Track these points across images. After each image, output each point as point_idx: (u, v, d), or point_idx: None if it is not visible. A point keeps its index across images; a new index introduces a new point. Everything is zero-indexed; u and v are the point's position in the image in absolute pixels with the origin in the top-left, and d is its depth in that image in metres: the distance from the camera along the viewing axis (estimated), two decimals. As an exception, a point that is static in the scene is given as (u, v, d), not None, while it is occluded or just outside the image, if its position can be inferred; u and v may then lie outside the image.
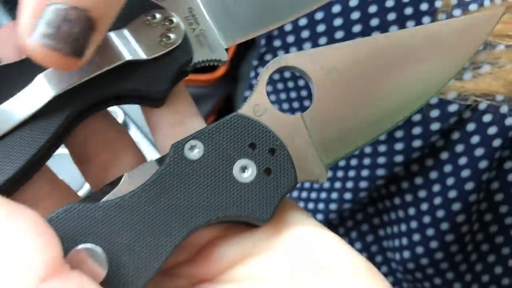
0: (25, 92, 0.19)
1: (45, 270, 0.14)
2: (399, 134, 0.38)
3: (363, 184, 0.40)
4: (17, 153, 0.18)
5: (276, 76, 0.41)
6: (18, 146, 0.18)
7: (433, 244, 0.38)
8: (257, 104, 0.20)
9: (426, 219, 0.38)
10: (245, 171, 0.19)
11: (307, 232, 0.19)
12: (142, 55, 0.20)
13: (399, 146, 0.38)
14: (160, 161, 0.19)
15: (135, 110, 0.41)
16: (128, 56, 0.19)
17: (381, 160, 0.39)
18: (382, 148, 0.39)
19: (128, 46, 0.20)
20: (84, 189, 0.38)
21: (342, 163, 0.41)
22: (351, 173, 0.40)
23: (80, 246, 0.17)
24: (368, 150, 0.39)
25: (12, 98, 0.19)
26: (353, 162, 0.40)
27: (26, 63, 0.19)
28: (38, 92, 0.19)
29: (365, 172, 0.40)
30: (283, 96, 0.42)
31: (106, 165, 0.21)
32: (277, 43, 0.40)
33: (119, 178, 0.19)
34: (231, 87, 0.54)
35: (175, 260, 0.20)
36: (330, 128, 0.20)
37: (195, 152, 0.19)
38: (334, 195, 0.41)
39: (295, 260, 0.19)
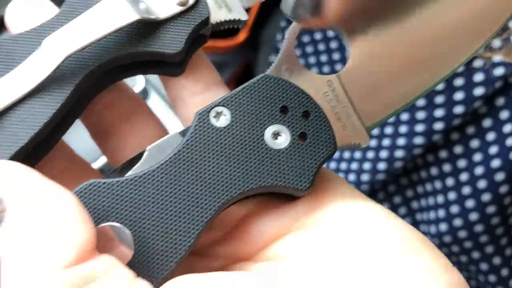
0: (33, 57, 0.17)
1: (74, 257, 0.13)
2: (439, 99, 0.35)
3: (399, 154, 0.38)
4: (30, 121, 0.17)
5: (306, 38, 0.39)
6: (29, 115, 0.17)
7: (473, 216, 0.36)
8: (285, 64, 0.18)
9: (466, 190, 0.36)
10: (278, 137, 0.17)
11: (351, 205, 0.18)
12: (155, 14, 0.18)
13: (439, 112, 0.35)
14: (184, 133, 0.18)
15: (156, 77, 0.40)
16: (140, 15, 0.18)
17: (420, 127, 0.36)
18: (420, 115, 0.36)
19: (141, 5, 0.18)
20: (99, 162, 0.37)
21: (375, 131, 0.39)
22: (386, 142, 0.38)
23: (105, 224, 0.16)
24: (405, 117, 0.37)
25: (21, 65, 0.17)
26: (388, 130, 0.38)
27: (35, 32, 0.18)
28: (46, 57, 0.17)
29: (401, 141, 0.37)
30: (312, 60, 0.40)
31: (124, 138, 0.20)
32: (307, 3, 0.38)
33: (141, 153, 0.18)
34: (251, 55, 0.51)
35: (208, 239, 0.19)
36: (369, 87, 0.18)
37: (222, 119, 0.17)
38: (367, 166, 0.40)
39: (339, 237, 0.17)
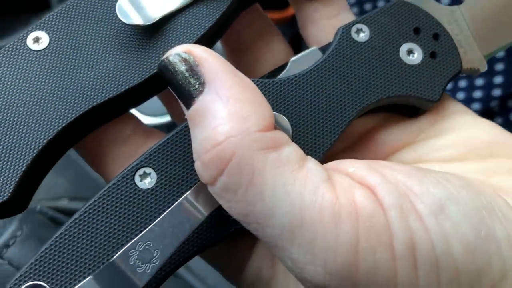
0: None
1: (264, 124, 0.16)
2: (499, 67, 0.38)
3: (455, 118, 0.40)
4: (196, 24, 0.20)
5: None
6: (195, 19, 0.20)
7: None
8: None
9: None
10: (411, 55, 0.20)
11: (468, 120, 0.20)
12: None
13: (498, 79, 0.38)
14: (323, 49, 0.20)
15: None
16: None
17: (478, 94, 0.39)
18: (479, 82, 0.39)
19: None
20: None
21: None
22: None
23: None
24: (463, 84, 0.40)
25: None
26: (446, 96, 0.41)
27: None
28: None
29: (458, 106, 0.40)
30: (368, 6, 0.42)
31: (259, 54, 0.23)
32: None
33: (283, 65, 0.20)
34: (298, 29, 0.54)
35: (338, 148, 0.21)
36: (487, 19, 0.21)
37: (361, 35, 0.20)
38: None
39: (461, 145, 0.19)
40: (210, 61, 0.16)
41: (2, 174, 0.17)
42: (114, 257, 0.17)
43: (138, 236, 0.17)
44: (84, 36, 0.19)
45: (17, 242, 0.25)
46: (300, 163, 0.16)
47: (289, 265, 0.15)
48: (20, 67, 0.18)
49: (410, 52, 0.20)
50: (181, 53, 0.16)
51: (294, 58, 0.20)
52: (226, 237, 0.19)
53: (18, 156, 0.17)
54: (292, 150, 0.16)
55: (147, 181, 0.18)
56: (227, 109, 0.15)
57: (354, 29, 0.20)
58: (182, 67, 0.16)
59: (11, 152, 0.17)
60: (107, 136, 0.20)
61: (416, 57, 0.20)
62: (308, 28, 0.23)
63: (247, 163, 0.15)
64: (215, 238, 0.18)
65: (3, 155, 0.17)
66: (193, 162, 0.17)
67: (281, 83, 0.19)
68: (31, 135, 0.18)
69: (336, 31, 0.20)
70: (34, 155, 0.17)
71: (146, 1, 0.19)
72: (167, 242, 0.17)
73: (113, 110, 0.20)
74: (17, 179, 0.17)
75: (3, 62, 0.18)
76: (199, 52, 0.16)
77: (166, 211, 0.17)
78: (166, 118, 0.38)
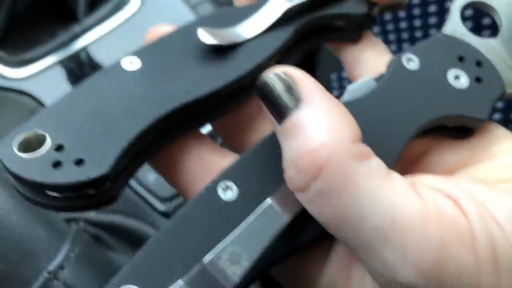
0: (263, 9, 0.24)
1: (355, 137, 0.18)
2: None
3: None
4: (259, 51, 0.23)
5: (387, 16, 0.44)
6: (257, 48, 0.23)
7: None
8: (453, 30, 0.23)
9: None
10: (458, 80, 0.22)
11: None
12: None
13: (497, 104, 0.41)
14: (377, 79, 0.23)
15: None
16: None
17: (498, 104, 0.41)
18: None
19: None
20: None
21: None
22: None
23: None
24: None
25: (255, 15, 0.24)
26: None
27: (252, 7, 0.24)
28: (272, 9, 0.23)
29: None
30: (392, 37, 0.45)
31: None
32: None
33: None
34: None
35: (395, 171, 0.23)
36: None
37: (412, 64, 0.22)
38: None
39: None
40: (305, 80, 0.18)
41: (104, 150, 0.19)
42: (204, 260, 0.18)
43: (226, 241, 0.18)
44: (170, 58, 0.23)
45: (71, 264, 0.26)
46: (387, 172, 0.18)
47: (379, 268, 0.17)
48: (115, 82, 0.22)
49: (457, 77, 0.22)
50: (279, 73, 0.18)
51: (351, 86, 0.22)
52: (302, 248, 0.20)
53: (116, 139, 0.20)
54: (379, 162, 0.18)
55: (229, 193, 0.19)
56: (322, 121, 0.17)
57: (404, 58, 0.22)
58: (280, 84, 0.18)
59: (111, 135, 0.20)
60: (183, 150, 0.22)
61: (463, 81, 0.22)
62: (357, 69, 0.25)
63: (342, 169, 0.17)
64: (294, 245, 0.20)
65: (105, 136, 0.20)
66: (272, 175, 0.19)
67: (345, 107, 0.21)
68: (126, 125, 0.20)
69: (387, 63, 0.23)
70: (129, 140, 0.20)
71: (222, 31, 0.22)
72: (253, 245, 0.18)
73: (193, 118, 0.22)
74: (115, 156, 0.19)
75: (99, 77, 0.22)
76: (296, 72, 0.19)
77: (251, 216, 0.19)
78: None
